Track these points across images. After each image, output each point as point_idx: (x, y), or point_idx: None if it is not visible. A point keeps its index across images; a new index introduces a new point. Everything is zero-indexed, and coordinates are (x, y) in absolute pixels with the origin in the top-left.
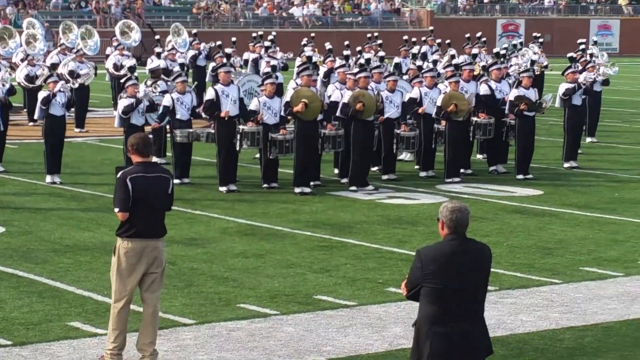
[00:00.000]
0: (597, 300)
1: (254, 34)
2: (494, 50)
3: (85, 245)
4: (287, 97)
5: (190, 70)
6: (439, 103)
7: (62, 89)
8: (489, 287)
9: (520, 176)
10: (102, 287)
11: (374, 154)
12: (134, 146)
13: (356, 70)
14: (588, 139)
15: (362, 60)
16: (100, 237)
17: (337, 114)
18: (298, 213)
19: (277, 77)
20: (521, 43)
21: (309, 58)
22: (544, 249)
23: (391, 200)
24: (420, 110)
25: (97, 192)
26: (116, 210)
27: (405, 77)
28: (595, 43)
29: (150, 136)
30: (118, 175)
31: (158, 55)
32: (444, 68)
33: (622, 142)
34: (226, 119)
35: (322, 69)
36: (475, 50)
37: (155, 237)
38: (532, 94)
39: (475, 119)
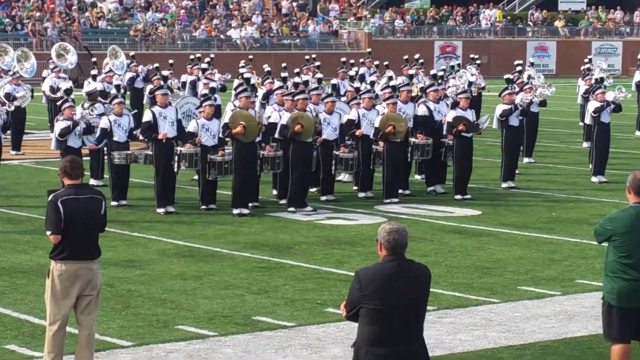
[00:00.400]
0: (534, 319)
1: (191, 56)
2: (432, 72)
3: (21, 267)
4: (225, 118)
5: (128, 93)
6: (376, 124)
7: None
8: (428, 307)
9: (458, 196)
10: (38, 310)
11: (312, 175)
12: (64, 169)
13: (292, 91)
14: (525, 160)
15: (297, 80)
16: (37, 260)
17: (276, 135)
18: (236, 234)
19: (215, 99)
20: (459, 65)
21: (247, 80)
22: (482, 269)
23: (330, 221)
24: (357, 133)
25: (34, 214)
26: (48, 233)
27: (343, 98)
28: (531, 64)
29: (88, 158)
30: (49, 198)
31: (94, 77)
32: (382, 90)
33: (559, 163)
34: (164, 141)
35: (261, 91)
36: (412, 72)
37: (89, 259)
38: (470, 115)
39: (413, 139)
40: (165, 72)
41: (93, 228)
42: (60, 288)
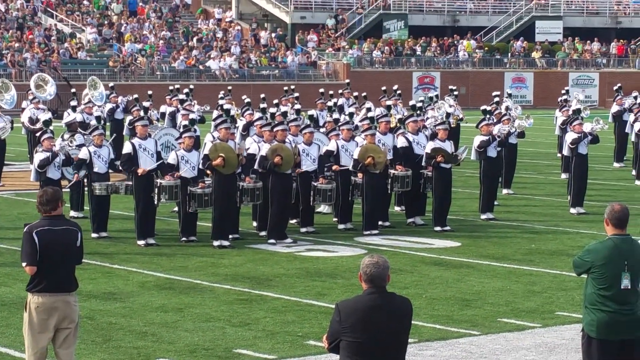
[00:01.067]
0: (515, 351)
1: (170, 87)
2: (411, 103)
3: (1, 300)
4: (204, 150)
5: (108, 124)
6: (355, 156)
7: None
8: (408, 340)
9: (438, 228)
10: (19, 343)
11: (292, 206)
12: (40, 199)
13: (270, 121)
14: (504, 191)
15: (272, 110)
16: (17, 292)
17: (255, 166)
18: (217, 266)
19: (195, 130)
20: (437, 96)
21: (226, 111)
22: (462, 301)
23: (310, 253)
24: (334, 168)
25: (14, 246)
26: (24, 264)
27: (322, 129)
28: (509, 95)
29: (67, 190)
30: (25, 230)
31: (74, 108)
32: (361, 121)
33: (537, 194)
34: (142, 174)
35: (241, 122)
36: (389, 102)
37: (66, 291)
38: (448, 146)
39: (392, 171)
40: (145, 103)
41: (69, 260)
42: (37, 321)
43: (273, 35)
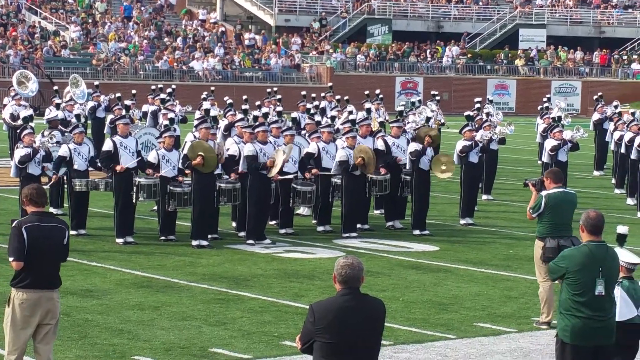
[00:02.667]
0: (490, 356)
1: (152, 87)
2: (397, 109)
3: None
4: (185, 149)
5: (89, 122)
6: (339, 158)
7: None
8: (384, 342)
9: (416, 232)
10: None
11: (271, 207)
12: (28, 196)
13: (252, 123)
14: (484, 197)
15: (256, 113)
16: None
17: (241, 168)
18: (195, 266)
19: (175, 130)
20: (419, 101)
21: (207, 111)
22: (439, 305)
23: (288, 254)
24: (313, 172)
25: None
26: (11, 259)
27: (303, 132)
28: (490, 102)
29: (47, 187)
30: (13, 224)
31: (57, 106)
32: (342, 124)
33: (517, 200)
34: (120, 171)
35: (223, 123)
36: (369, 106)
37: (50, 288)
38: (429, 151)
39: (370, 175)
40: (127, 102)
41: (55, 257)
42: (20, 316)
43: (257, 37)
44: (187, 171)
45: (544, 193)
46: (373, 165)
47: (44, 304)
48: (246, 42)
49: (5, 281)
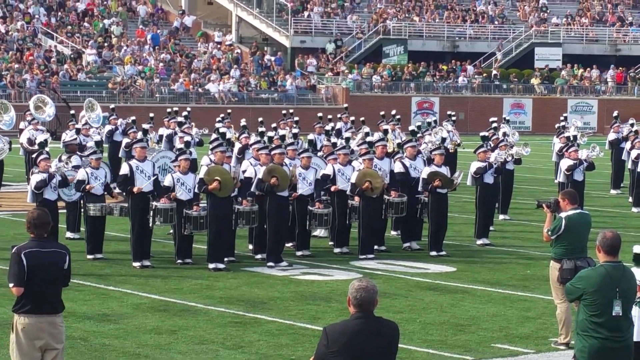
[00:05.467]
0: None
1: (168, 110)
2: (410, 128)
3: None
4: (201, 173)
5: (106, 145)
6: (353, 180)
7: None
8: None
9: (433, 253)
10: None
11: (288, 229)
12: (30, 221)
13: (268, 145)
14: (500, 217)
15: (270, 134)
16: (11, 313)
17: (252, 189)
18: (212, 289)
19: (190, 153)
20: (435, 121)
21: (222, 134)
22: (457, 326)
23: (305, 277)
24: (332, 188)
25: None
26: (10, 285)
27: (319, 153)
28: (507, 121)
29: (64, 211)
30: (13, 250)
31: (77, 131)
32: (358, 145)
33: (534, 220)
34: (137, 193)
35: (237, 145)
36: (386, 127)
37: (52, 312)
38: (445, 172)
39: (387, 197)
40: (145, 126)
41: (56, 282)
42: (24, 341)
43: (273, 58)
44: (202, 195)
45: (563, 215)
46: (380, 189)
47: (47, 329)
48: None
49: (10, 306)
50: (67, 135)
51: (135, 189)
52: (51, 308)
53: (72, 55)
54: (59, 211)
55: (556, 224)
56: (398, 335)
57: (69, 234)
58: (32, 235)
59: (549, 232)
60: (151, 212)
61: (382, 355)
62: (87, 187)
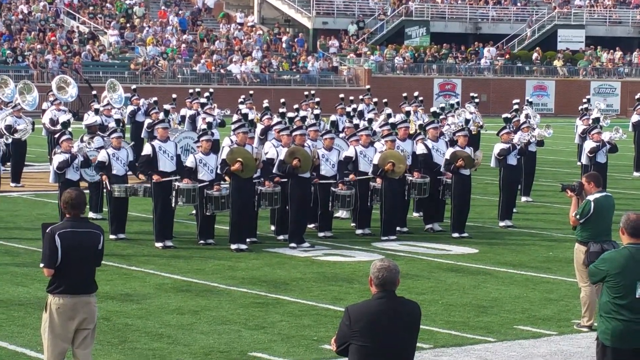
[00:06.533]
0: (530, 358)
1: (190, 91)
2: (432, 110)
3: (19, 300)
4: (222, 154)
5: (128, 126)
6: (375, 161)
7: None
8: (424, 345)
9: (455, 234)
10: (35, 343)
11: (310, 210)
12: (67, 202)
13: (289, 126)
14: (523, 199)
15: (290, 115)
16: (35, 293)
17: (274, 170)
18: (234, 269)
19: (212, 134)
20: (458, 102)
21: (245, 115)
22: (479, 307)
23: (327, 258)
24: (350, 178)
25: (32, 247)
26: (41, 265)
27: (341, 135)
28: (530, 103)
29: (87, 191)
30: (47, 230)
31: (96, 111)
32: (380, 127)
33: (556, 202)
34: (156, 182)
35: (259, 126)
36: (409, 109)
37: (86, 293)
38: (469, 152)
39: (410, 178)
40: (167, 106)
41: (90, 262)
42: (58, 321)
43: (296, 39)
44: (226, 177)
45: (591, 198)
46: (402, 170)
47: (81, 309)
48: (283, 45)
49: (43, 286)
50: (89, 117)
51: (155, 178)
52: (86, 288)
53: (87, 37)
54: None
55: (584, 207)
56: (420, 315)
57: (91, 214)
58: (67, 216)
59: (577, 216)
60: (174, 192)
61: (404, 335)
62: (105, 184)
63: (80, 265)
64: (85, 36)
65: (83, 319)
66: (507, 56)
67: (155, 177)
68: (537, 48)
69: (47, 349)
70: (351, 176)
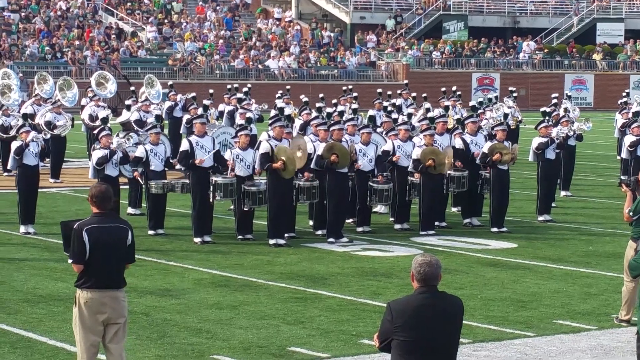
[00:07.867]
0: (570, 353)
1: (228, 86)
2: (471, 104)
3: (58, 295)
4: (261, 149)
5: (166, 122)
6: (415, 156)
7: (34, 139)
8: (463, 340)
9: (494, 229)
10: (75, 339)
11: (349, 205)
12: (93, 198)
13: (327, 121)
14: (562, 193)
15: (328, 110)
16: (74, 288)
17: (312, 166)
18: (272, 264)
19: (250, 129)
20: (496, 97)
21: (281, 109)
22: (518, 302)
23: (366, 252)
24: (395, 158)
25: None
26: (70, 261)
27: (379, 129)
28: (568, 97)
29: (126, 187)
30: (74, 226)
31: (128, 107)
32: (419, 121)
33: (596, 196)
34: (200, 165)
35: (298, 122)
36: (447, 103)
37: (114, 288)
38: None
39: (449, 172)
40: (205, 102)
41: (118, 257)
42: (87, 315)
43: (332, 34)
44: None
45: None
46: (443, 167)
47: (110, 304)
48: (324, 40)
49: (73, 281)
50: (123, 115)
51: (197, 160)
52: (113, 283)
53: (122, 33)
54: (121, 187)
55: (638, 204)
56: (462, 310)
57: (130, 210)
58: (94, 210)
59: (630, 212)
60: (211, 187)
61: (446, 330)
62: (197, 160)
63: (108, 260)
64: (123, 31)
65: (112, 314)
66: (546, 50)
67: (197, 160)
68: (571, 41)
69: (79, 343)
70: (395, 157)
